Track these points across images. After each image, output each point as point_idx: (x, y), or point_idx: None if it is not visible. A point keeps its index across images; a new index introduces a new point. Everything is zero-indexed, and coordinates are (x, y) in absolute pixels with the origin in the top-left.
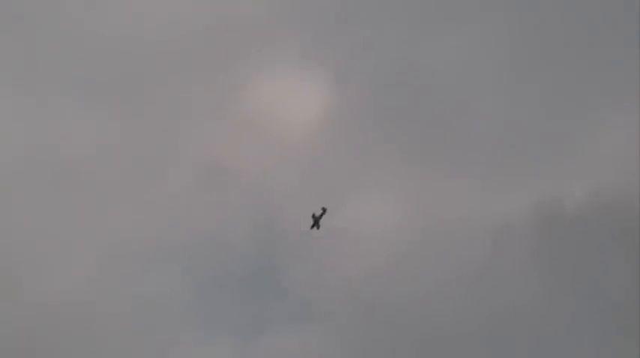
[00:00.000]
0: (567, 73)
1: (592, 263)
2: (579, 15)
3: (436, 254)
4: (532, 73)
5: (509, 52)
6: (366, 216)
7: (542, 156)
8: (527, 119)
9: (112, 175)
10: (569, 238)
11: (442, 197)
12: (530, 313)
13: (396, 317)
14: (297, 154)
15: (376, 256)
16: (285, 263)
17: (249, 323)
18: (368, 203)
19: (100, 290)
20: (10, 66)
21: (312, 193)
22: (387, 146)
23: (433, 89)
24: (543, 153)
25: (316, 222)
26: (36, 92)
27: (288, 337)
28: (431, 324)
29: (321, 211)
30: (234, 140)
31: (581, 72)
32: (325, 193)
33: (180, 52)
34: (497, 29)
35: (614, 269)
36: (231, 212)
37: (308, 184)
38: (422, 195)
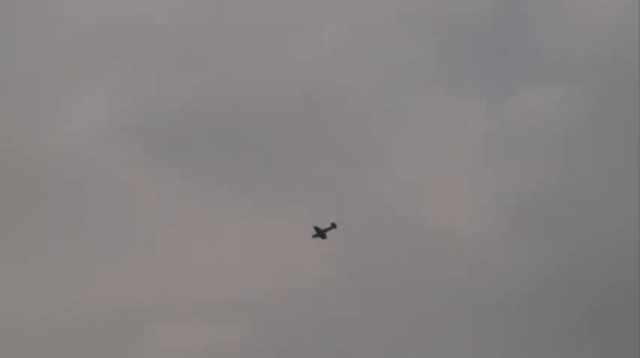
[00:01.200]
0: None
1: None
2: None
3: None
4: None
5: None
6: None
7: None
8: None
9: None
10: None
11: None
12: None
13: None
14: None
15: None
16: (536, 19)
17: (500, 82)
18: None
19: (343, 62)
20: None
21: None
22: None
23: None
24: None
25: (321, 233)
26: None
27: (537, 98)
28: None
29: (330, 226)
30: None
31: None
32: None
33: None
34: None
35: None
36: None
37: None
38: None
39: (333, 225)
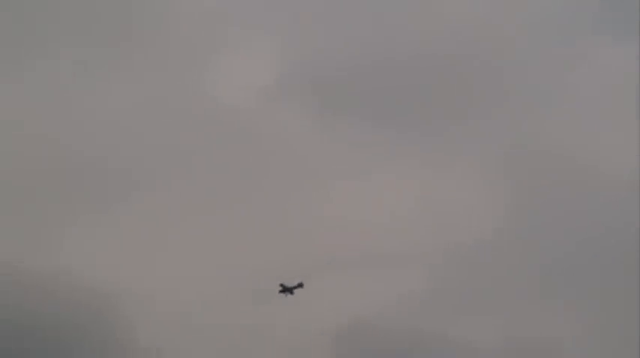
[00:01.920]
0: None
1: None
2: None
3: None
4: None
5: None
6: None
7: None
8: None
9: None
10: None
11: None
12: None
13: None
14: None
15: None
16: None
17: None
18: None
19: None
20: None
21: None
22: None
23: None
24: None
25: (288, 290)
26: None
27: None
28: None
29: (297, 285)
30: None
31: None
32: None
33: None
34: None
35: None
36: None
37: None
38: None
39: (300, 285)
